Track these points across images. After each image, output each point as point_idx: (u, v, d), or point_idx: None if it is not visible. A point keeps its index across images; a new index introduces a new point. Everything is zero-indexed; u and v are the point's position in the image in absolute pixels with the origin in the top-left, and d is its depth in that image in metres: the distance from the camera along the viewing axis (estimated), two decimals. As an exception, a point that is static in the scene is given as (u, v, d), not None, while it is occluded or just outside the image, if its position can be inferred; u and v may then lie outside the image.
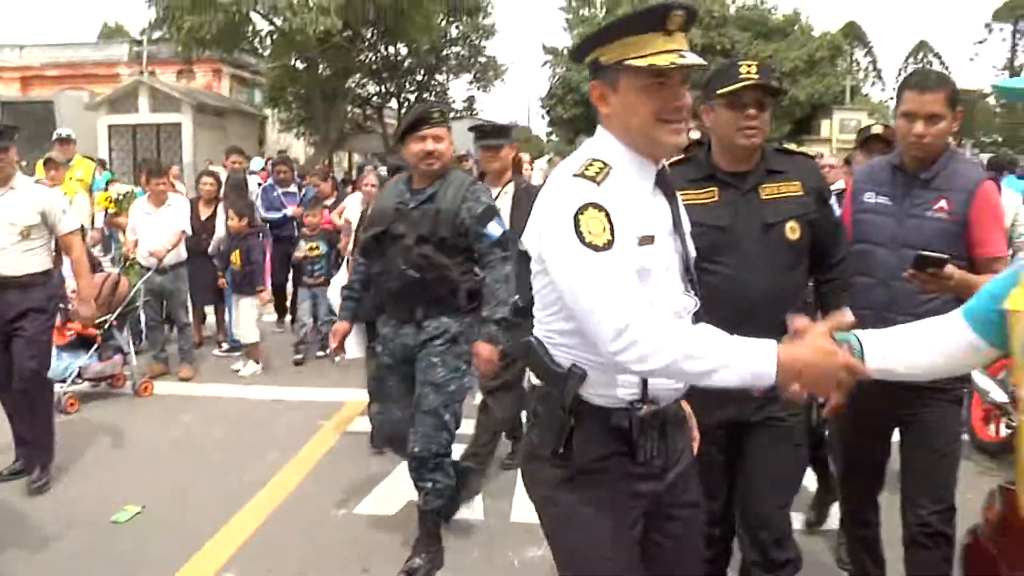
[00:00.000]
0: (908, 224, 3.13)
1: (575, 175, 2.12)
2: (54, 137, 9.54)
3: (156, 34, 34.30)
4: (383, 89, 36.15)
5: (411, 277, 3.94)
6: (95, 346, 6.85)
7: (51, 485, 5.02)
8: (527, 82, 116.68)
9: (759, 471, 2.95)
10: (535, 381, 2.32)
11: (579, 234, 2.03)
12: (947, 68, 78.43)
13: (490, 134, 5.22)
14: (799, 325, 2.01)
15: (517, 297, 4.78)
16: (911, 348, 2.10)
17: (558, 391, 2.23)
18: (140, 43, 36.53)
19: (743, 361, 1.94)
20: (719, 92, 2.90)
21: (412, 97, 37.43)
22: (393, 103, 37.57)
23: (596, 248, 2.02)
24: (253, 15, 26.49)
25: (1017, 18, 63.84)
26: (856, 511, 3.55)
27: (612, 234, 2.03)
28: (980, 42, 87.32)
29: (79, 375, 6.73)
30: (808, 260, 3.03)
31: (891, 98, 70.03)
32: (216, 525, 4.47)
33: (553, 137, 47.44)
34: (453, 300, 4.01)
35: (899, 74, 72.65)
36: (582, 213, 2.04)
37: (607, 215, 2.04)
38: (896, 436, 3.32)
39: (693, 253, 2.35)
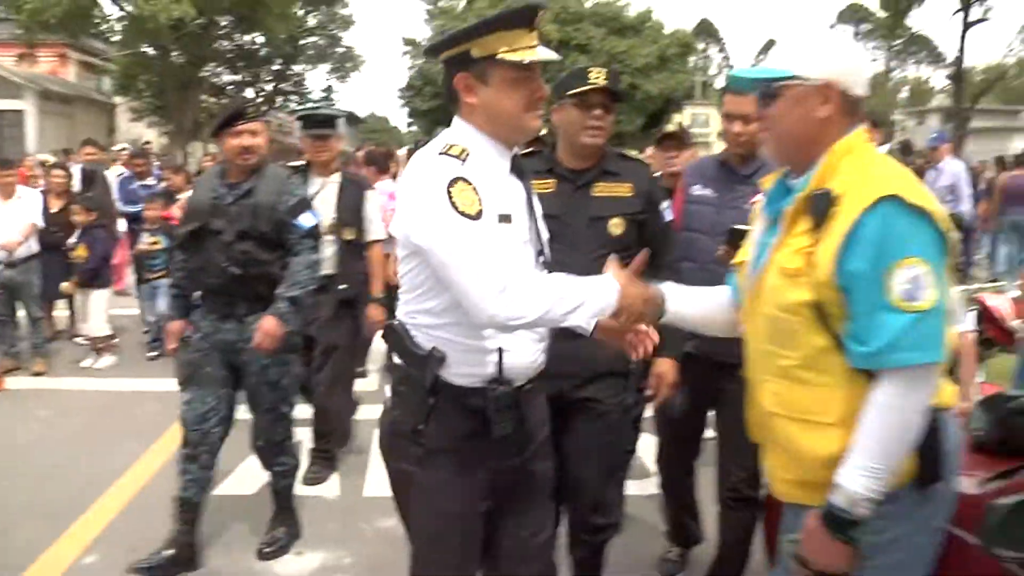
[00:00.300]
0: (727, 215, 3.45)
1: (441, 153, 2.26)
2: None
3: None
4: (239, 78, 35.68)
5: (233, 273, 3.93)
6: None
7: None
8: (387, 73, 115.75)
9: (579, 443, 3.19)
10: (396, 361, 2.47)
11: (453, 205, 2.16)
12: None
13: (318, 124, 5.17)
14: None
15: (345, 286, 5.03)
16: (704, 304, 2.46)
17: (419, 372, 2.36)
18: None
19: (595, 296, 2.22)
20: (569, 93, 3.17)
21: (269, 86, 37.03)
22: (249, 92, 36.98)
23: (470, 217, 2.16)
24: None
25: (858, 20, 67.56)
26: (675, 477, 3.97)
27: (481, 205, 2.19)
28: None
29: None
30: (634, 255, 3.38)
31: (742, 93, 73.58)
32: (78, 511, 4.56)
33: (413, 128, 47.52)
34: (274, 296, 4.00)
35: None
36: (453, 186, 2.18)
37: (474, 188, 2.20)
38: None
39: (546, 235, 2.55)
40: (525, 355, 2.43)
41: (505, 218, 2.30)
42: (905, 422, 1.88)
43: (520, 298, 2.15)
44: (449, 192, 2.16)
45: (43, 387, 7.18)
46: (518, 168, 2.46)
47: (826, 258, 1.91)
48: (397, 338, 2.43)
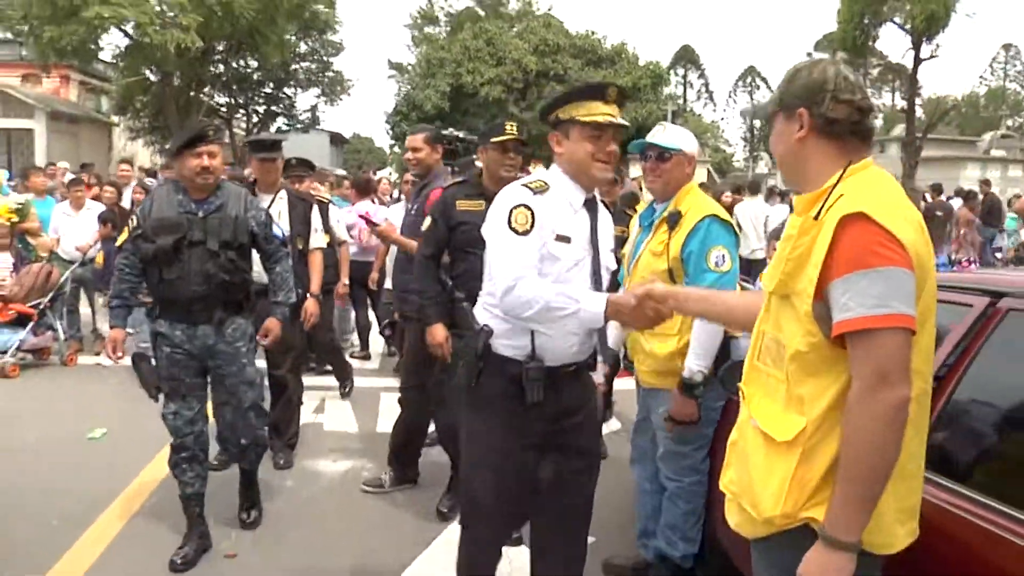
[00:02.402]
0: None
1: (522, 184, 2.94)
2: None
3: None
4: (232, 101, 36.68)
5: (220, 280, 4.20)
6: (31, 323, 8.38)
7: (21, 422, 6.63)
8: (373, 94, 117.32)
9: None
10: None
11: (509, 221, 2.84)
12: (772, 91, 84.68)
13: (266, 148, 5.74)
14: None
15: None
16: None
17: (474, 341, 2.99)
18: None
19: (586, 308, 2.74)
20: (492, 140, 4.34)
21: (260, 109, 37.77)
22: (241, 114, 37.97)
23: (517, 232, 2.83)
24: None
25: (835, 49, 69.23)
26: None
27: (531, 226, 2.83)
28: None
29: (18, 347, 8.24)
30: None
31: (722, 119, 74.90)
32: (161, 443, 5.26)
33: (396, 150, 48.84)
34: (246, 301, 4.43)
35: (730, 95, 77.70)
36: (515, 209, 2.85)
37: (532, 213, 2.84)
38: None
39: (608, 264, 3.10)
40: (558, 341, 2.95)
41: (563, 238, 2.91)
42: (714, 329, 3.57)
43: (520, 299, 2.78)
44: (511, 212, 2.87)
45: (106, 363, 8.46)
46: (592, 207, 3.06)
47: (677, 245, 3.70)
48: (462, 314, 3.28)
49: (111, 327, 4.40)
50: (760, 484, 2.11)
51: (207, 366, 4.35)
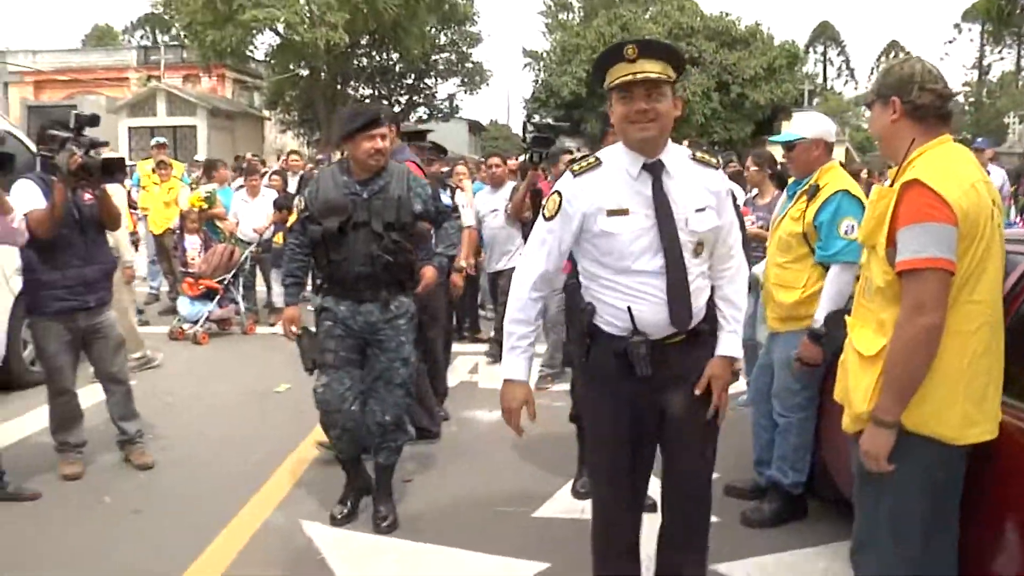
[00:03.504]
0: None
1: (567, 168, 3.00)
2: (153, 143, 12.13)
3: (140, 33, 35.33)
4: (376, 92, 37.91)
5: (385, 261, 4.25)
6: (218, 297, 9.51)
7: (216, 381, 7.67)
8: (508, 81, 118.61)
9: None
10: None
11: (543, 207, 2.97)
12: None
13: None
14: None
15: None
16: None
17: (579, 319, 3.05)
18: (148, 49, 38.84)
19: (506, 367, 2.99)
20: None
21: (402, 99, 38.98)
22: (384, 105, 39.53)
23: (544, 217, 2.94)
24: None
25: (983, 20, 65.93)
26: None
27: (556, 212, 2.88)
28: (950, 42, 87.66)
29: (207, 318, 9.38)
30: None
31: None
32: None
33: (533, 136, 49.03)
34: (410, 280, 4.46)
35: (871, 72, 75.01)
36: (551, 196, 2.94)
37: (560, 199, 2.88)
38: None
39: (694, 227, 2.89)
40: (651, 313, 2.87)
41: (618, 212, 2.84)
42: (840, 288, 4.10)
43: (512, 295, 3.00)
44: (548, 198, 2.97)
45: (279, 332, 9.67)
46: (654, 172, 2.87)
47: (811, 213, 4.22)
48: (570, 293, 3.43)
49: (286, 304, 4.62)
50: (854, 389, 2.70)
51: (366, 343, 4.41)
